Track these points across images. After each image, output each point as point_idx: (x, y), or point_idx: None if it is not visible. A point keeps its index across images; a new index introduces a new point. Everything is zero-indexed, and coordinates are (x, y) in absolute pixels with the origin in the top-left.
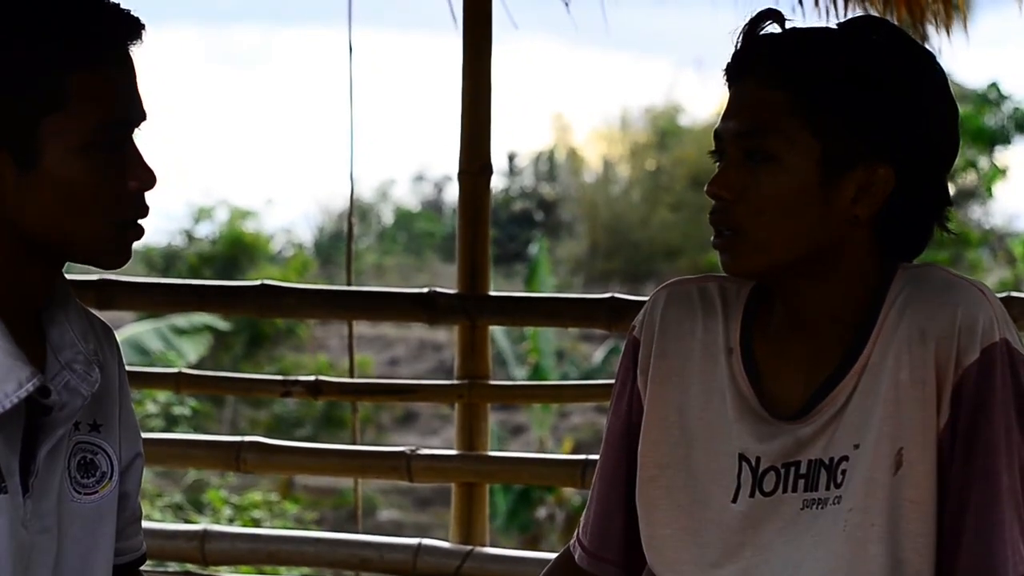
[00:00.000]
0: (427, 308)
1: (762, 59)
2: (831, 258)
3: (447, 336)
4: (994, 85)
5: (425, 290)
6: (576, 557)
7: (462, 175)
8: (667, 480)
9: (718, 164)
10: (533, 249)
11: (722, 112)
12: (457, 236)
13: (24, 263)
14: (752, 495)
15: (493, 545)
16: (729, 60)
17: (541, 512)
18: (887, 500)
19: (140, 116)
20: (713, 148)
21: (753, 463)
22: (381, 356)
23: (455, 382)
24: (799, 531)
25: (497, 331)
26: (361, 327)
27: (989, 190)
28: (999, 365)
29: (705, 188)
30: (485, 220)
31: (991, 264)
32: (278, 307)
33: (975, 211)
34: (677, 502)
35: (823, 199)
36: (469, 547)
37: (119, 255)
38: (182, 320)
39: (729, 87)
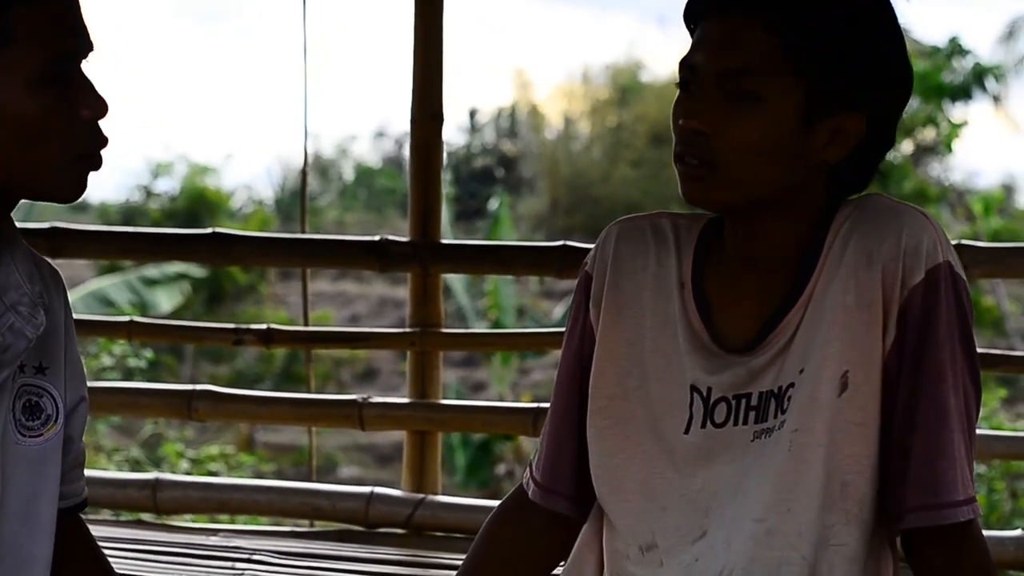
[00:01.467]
0: (379, 256)
1: None
2: (792, 199)
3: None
4: (954, 40)
5: (377, 238)
6: (529, 492)
7: (414, 124)
8: (616, 410)
9: (681, 93)
10: (493, 205)
11: (698, 42)
12: (409, 184)
13: None
14: (703, 426)
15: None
16: None
17: (500, 468)
18: (831, 422)
19: (88, 47)
20: (679, 79)
21: (704, 393)
22: (342, 313)
23: (407, 330)
24: (748, 461)
25: (457, 286)
26: (321, 284)
27: (948, 146)
28: (943, 286)
29: (677, 119)
30: (437, 169)
31: (950, 220)
32: (230, 255)
33: (934, 167)
34: (625, 432)
35: (799, 143)
36: (421, 495)
37: (76, 188)
38: (154, 270)
39: (707, 19)
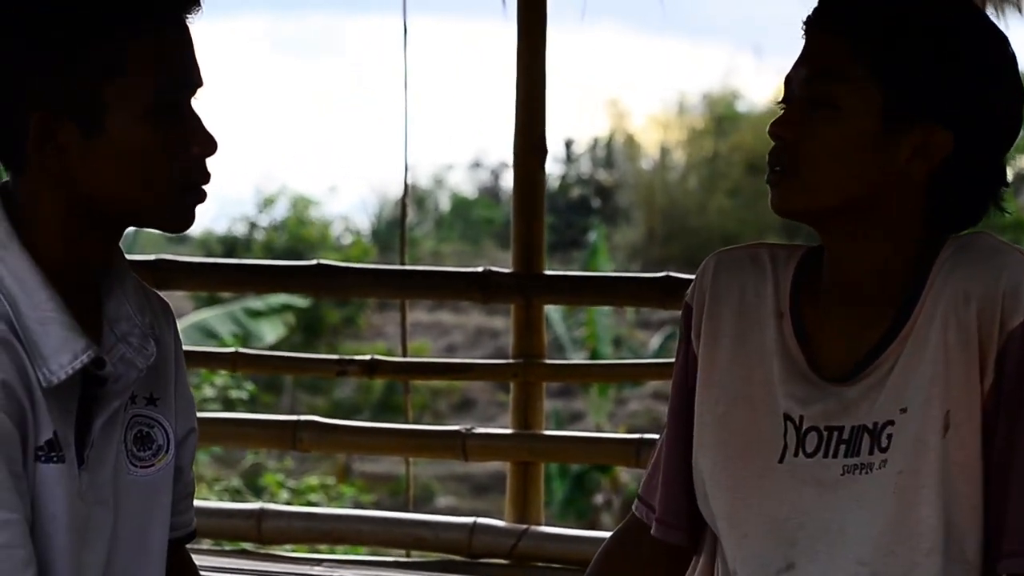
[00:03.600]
0: (481, 287)
1: (836, 9)
2: (878, 212)
3: (504, 323)
4: None
5: (480, 269)
6: (643, 521)
7: (517, 156)
8: (711, 438)
9: (783, 108)
10: (591, 236)
11: (796, 59)
12: (512, 216)
13: (84, 234)
14: (796, 455)
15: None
16: (809, 14)
17: (598, 498)
18: (937, 462)
19: (199, 81)
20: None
21: (797, 421)
22: (438, 343)
23: (510, 361)
24: (839, 496)
25: (554, 316)
26: (418, 314)
27: None
28: None
29: (768, 128)
30: (540, 200)
31: None
32: (334, 287)
33: None
34: (716, 459)
35: (880, 151)
36: (524, 526)
37: (184, 219)
38: (257, 302)
39: (805, 37)
